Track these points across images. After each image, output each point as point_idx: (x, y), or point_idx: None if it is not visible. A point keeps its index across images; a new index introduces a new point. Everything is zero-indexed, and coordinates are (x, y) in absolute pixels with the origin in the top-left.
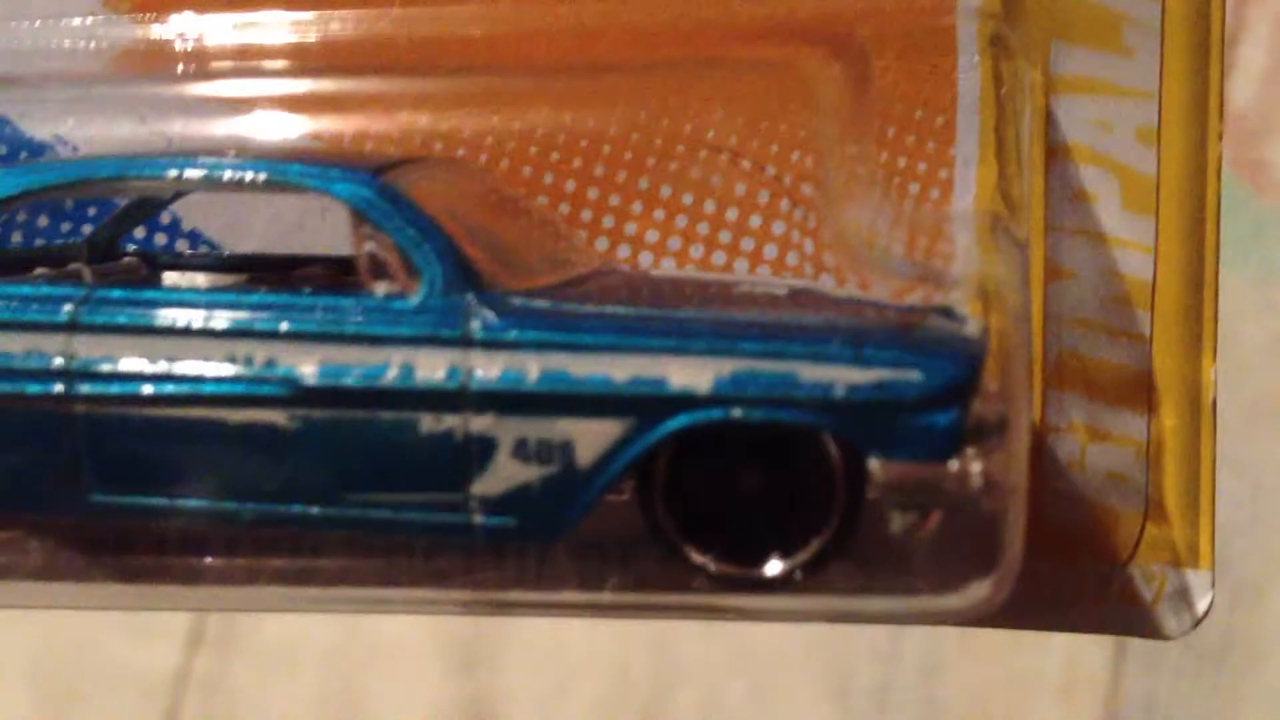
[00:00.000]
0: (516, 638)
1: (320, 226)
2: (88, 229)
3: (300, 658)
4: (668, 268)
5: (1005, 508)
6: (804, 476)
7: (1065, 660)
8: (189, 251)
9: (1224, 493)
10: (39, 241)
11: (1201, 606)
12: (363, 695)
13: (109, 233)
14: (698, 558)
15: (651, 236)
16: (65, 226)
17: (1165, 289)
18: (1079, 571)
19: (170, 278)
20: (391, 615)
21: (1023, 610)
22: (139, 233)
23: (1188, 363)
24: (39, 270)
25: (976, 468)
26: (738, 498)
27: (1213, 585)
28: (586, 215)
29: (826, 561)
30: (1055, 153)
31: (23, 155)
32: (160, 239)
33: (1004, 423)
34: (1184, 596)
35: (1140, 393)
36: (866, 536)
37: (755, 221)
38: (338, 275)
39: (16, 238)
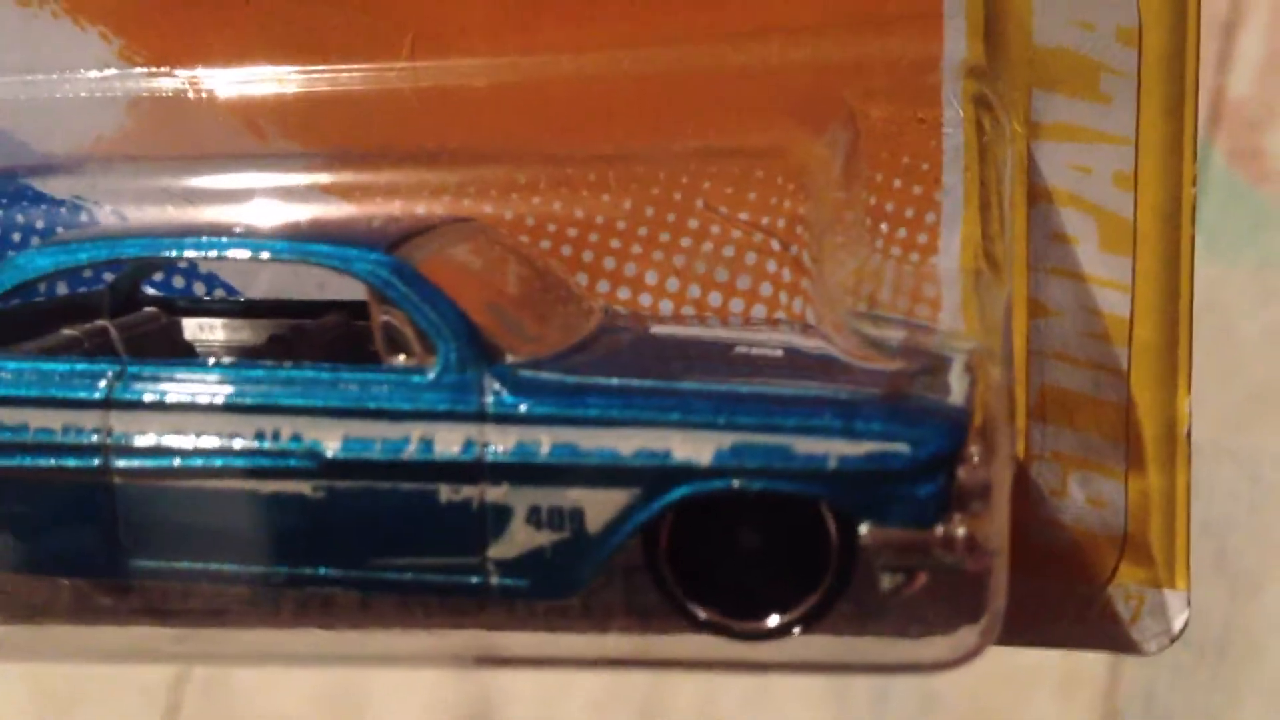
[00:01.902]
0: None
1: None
2: None
3: None
4: (666, 310)
5: (989, 568)
6: (800, 539)
7: (1064, 655)
8: (207, 298)
9: (1222, 485)
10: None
11: (1177, 625)
12: (362, 693)
13: (129, 281)
14: (701, 613)
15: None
16: None
17: (1141, 325)
18: (1061, 590)
19: (190, 324)
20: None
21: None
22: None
23: (1164, 395)
24: (65, 330)
25: (961, 532)
26: (738, 558)
27: (1188, 605)
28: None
29: (821, 617)
30: (1037, 196)
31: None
32: (179, 281)
33: (987, 489)
34: (1160, 614)
35: (1119, 424)
36: (858, 594)
37: (766, 289)
38: (352, 321)
39: None
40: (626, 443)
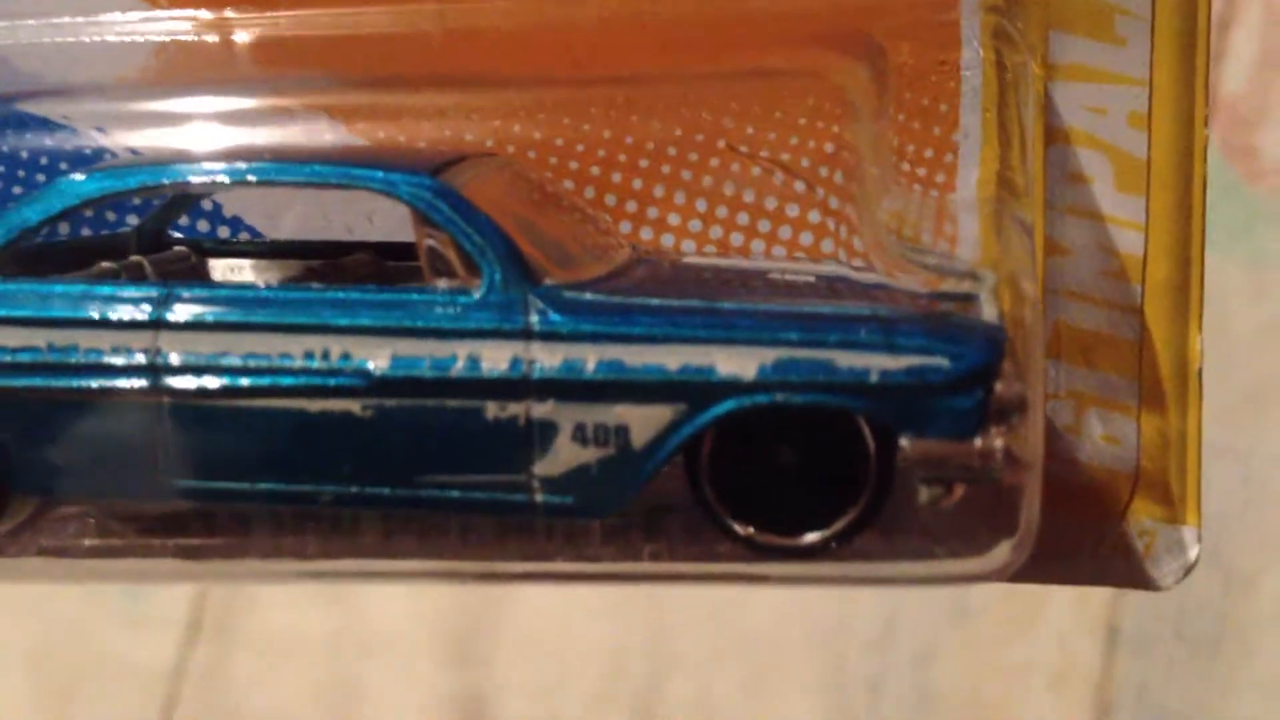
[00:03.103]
0: (511, 628)
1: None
2: None
3: (297, 647)
4: (689, 249)
5: (1024, 480)
6: (839, 454)
7: (1058, 649)
8: (235, 239)
9: (1216, 480)
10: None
11: (1190, 558)
12: (359, 686)
13: (156, 223)
14: (740, 529)
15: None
16: None
17: (1155, 264)
18: (1076, 526)
19: (219, 266)
20: (395, 601)
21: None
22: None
23: (1176, 333)
24: (103, 265)
25: (998, 444)
26: (778, 473)
27: (1199, 539)
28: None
29: (859, 531)
30: (1053, 137)
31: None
32: (203, 225)
33: (1023, 402)
34: (1173, 550)
35: (1132, 362)
36: (896, 508)
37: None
38: (382, 262)
39: None
40: (671, 359)
